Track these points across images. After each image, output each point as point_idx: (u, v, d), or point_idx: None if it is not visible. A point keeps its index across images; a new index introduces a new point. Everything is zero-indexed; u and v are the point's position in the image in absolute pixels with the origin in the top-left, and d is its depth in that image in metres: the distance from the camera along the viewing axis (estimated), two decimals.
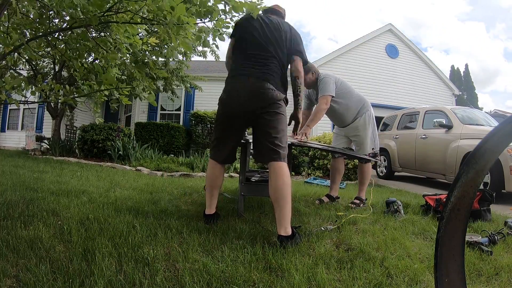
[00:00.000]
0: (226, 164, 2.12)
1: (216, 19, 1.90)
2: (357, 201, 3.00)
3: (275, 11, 2.07)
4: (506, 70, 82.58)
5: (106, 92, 2.09)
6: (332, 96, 2.84)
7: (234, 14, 1.92)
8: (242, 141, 2.24)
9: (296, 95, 1.96)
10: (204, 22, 1.96)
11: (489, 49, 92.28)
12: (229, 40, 2.09)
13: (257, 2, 1.87)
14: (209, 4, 1.86)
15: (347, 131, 3.07)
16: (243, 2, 1.84)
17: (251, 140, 2.13)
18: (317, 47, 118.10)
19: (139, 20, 1.86)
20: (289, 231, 1.67)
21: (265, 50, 1.88)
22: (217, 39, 2.06)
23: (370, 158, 2.93)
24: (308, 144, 2.65)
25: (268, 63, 1.87)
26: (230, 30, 2.05)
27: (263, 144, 1.83)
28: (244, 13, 1.94)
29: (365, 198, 3.10)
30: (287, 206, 1.71)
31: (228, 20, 1.95)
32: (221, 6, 1.91)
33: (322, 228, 2.01)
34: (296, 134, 2.44)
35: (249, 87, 1.82)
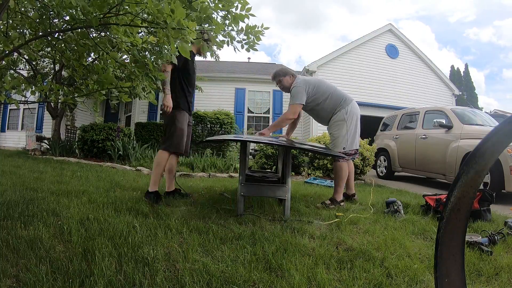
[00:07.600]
0: None
1: (214, 26, 1.91)
2: (328, 202, 2.82)
3: None
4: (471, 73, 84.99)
5: (104, 92, 2.09)
6: (303, 104, 2.92)
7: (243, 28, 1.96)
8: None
9: None
10: (203, 28, 1.97)
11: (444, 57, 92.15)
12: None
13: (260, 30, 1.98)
14: (210, 11, 1.86)
15: (328, 128, 3.10)
16: (243, 14, 1.87)
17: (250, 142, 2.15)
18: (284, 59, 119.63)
19: (139, 22, 1.86)
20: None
21: None
22: (214, 47, 2.09)
23: (340, 155, 2.77)
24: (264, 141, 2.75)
25: None
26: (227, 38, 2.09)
27: None
28: (245, 24, 1.98)
29: (341, 199, 2.88)
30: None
31: (229, 29, 1.98)
32: (221, 13, 1.93)
33: (312, 221, 2.05)
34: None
35: None
